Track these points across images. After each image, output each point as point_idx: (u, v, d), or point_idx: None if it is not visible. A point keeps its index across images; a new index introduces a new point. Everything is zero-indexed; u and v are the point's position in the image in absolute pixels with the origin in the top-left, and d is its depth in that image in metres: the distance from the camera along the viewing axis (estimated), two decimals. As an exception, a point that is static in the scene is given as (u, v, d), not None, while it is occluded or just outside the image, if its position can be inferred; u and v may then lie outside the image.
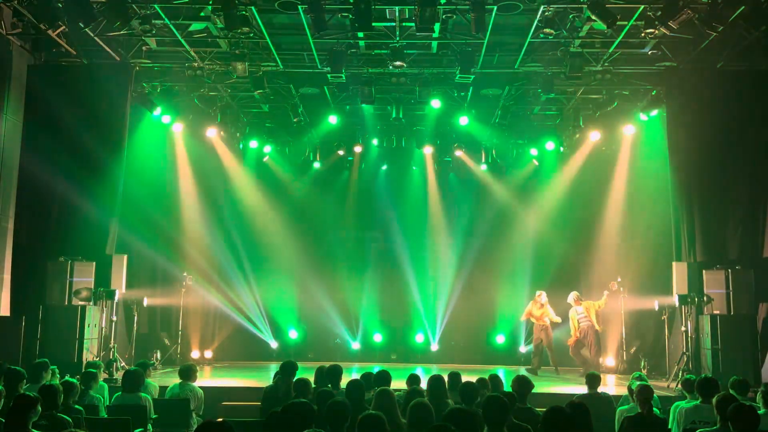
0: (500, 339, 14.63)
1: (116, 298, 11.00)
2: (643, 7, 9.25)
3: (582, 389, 7.57)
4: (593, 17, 8.97)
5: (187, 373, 7.32)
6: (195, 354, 13.53)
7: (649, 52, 10.76)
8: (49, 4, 9.27)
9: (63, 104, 10.68)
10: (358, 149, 14.69)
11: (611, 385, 10.89)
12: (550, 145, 14.27)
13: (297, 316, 14.66)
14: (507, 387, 6.57)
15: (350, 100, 12.92)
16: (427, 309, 14.76)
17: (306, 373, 7.02)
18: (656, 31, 9.40)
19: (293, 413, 4.12)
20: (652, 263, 12.60)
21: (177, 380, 7.35)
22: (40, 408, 4.67)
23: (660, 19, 9.04)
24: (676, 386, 9.63)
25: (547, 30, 9.44)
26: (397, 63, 10.60)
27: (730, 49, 10.38)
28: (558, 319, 12.50)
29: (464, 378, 6.81)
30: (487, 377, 6.59)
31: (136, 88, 11.76)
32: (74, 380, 6.23)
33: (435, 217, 15.15)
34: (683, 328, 10.84)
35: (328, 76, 11.21)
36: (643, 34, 9.90)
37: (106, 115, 11.03)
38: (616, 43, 10.31)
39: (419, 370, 10.93)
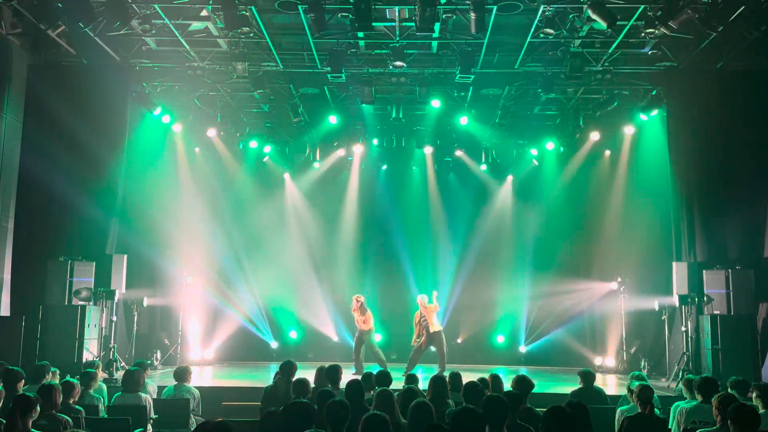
0: (500, 339, 14.63)
1: (116, 298, 11.00)
2: (643, 7, 9.26)
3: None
4: (593, 17, 8.97)
5: (182, 374, 7.35)
6: (195, 354, 13.53)
7: (649, 52, 10.77)
8: (49, 4, 9.27)
9: (63, 104, 10.68)
10: (358, 149, 14.69)
11: (611, 385, 10.90)
12: (550, 145, 14.27)
13: (297, 316, 14.64)
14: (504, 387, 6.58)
15: (350, 100, 12.93)
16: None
17: (306, 373, 7.02)
18: (656, 31, 9.39)
19: (294, 413, 4.12)
20: (652, 263, 12.60)
21: (174, 382, 7.38)
22: (39, 408, 4.67)
23: (660, 19, 9.04)
24: (676, 386, 9.63)
25: (547, 30, 9.44)
26: (397, 63, 10.61)
27: (730, 49, 10.38)
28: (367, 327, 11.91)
29: (464, 378, 6.82)
30: (487, 377, 6.59)
31: (136, 88, 11.75)
32: (74, 380, 6.23)
33: (435, 217, 15.14)
34: (683, 328, 10.84)
35: (328, 76, 11.22)
36: (643, 34, 9.90)
37: (106, 115, 11.04)
38: (616, 43, 10.31)
39: (420, 370, 10.93)
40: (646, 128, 12.78)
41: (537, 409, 5.73)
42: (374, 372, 7.06)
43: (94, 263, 10.83)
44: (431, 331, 11.64)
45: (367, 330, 11.94)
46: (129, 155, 11.50)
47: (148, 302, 12.41)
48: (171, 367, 12.01)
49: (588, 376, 7.30)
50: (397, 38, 10.35)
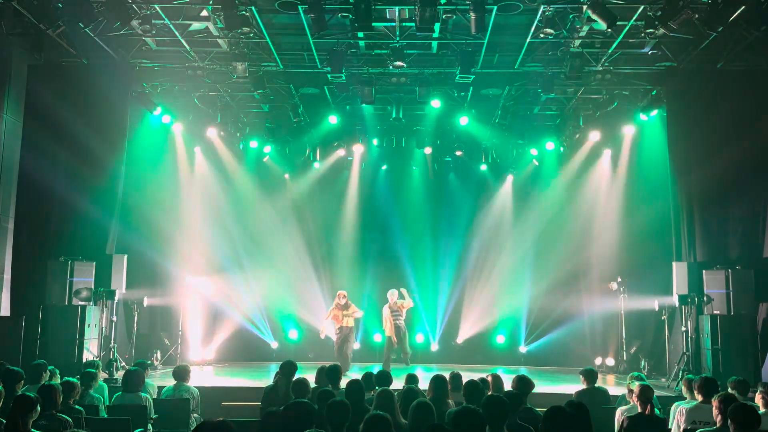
0: (500, 339, 14.63)
1: (116, 298, 11.00)
2: (643, 7, 9.26)
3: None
4: (593, 17, 8.97)
5: (181, 374, 7.34)
6: (195, 354, 13.52)
7: (649, 52, 10.77)
8: (49, 4, 9.27)
9: (63, 104, 10.69)
10: (358, 149, 14.69)
11: (611, 385, 10.89)
12: (550, 145, 14.27)
13: (297, 316, 14.64)
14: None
15: (350, 100, 12.94)
16: (427, 309, 14.76)
17: (306, 373, 7.02)
18: (656, 31, 9.40)
19: (294, 413, 4.12)
20: (652, 263, 12.60)
21: (173, 382, 7.38)
22: (39, 408, 4.67)
23: (660, 19, 9.04)
24: (676, 386, 9.63)
25: (547, 30, 9.44)
26: (397, 63, 10.61)
27: (730, 49, 10.38)
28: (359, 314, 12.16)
29: (465, 378, 6.82)
30: (488, 377, 6.59)
31: (136, 88, 11.76)
32: (74, 380, 6.23)
33: (435, 217, 15.14)
34: (683, 328, 10.84)
35: (328, 76, 11.22)
36: (643, 34, 9.90)
37: (106, 115, 11.05)
38: (616, 43, 10.31)
39: (419, 370, 10.93)
40: (646, 128, 12.78)
41: (537, 409, 5.73)
42: (374, 372, 7.06)
43: (94, 263, 10.82)
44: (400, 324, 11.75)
45: (353, 327, 12.00)
46: (129, 155, 11.50)
47: (148, 302, 12.40)
48: (171, 367, 11.99)
49: (591, 375, 7.30)
50: (397, 38, 10.35)
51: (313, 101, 13.27)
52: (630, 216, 13.19)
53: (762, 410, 5.34)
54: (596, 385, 7.32)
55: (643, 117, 12.35)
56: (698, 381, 6.04)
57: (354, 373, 10.91)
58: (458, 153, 14.76)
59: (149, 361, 10.95)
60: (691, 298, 10.64)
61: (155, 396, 7.38)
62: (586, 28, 9.82)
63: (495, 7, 9.21)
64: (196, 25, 10.29)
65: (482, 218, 14.94)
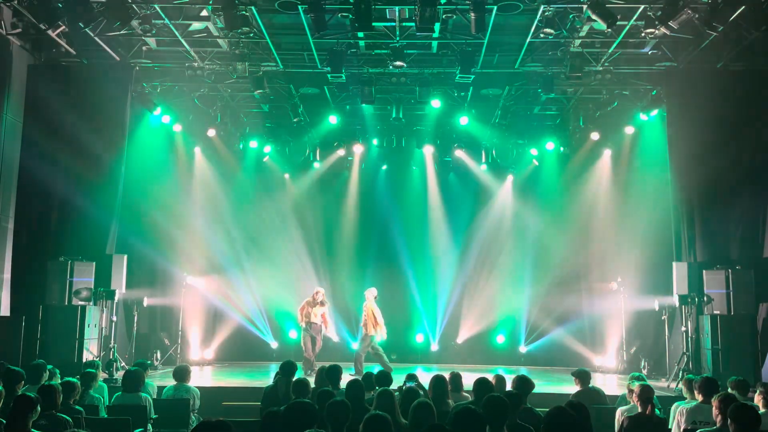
0: (500, 339, 14.63)
1: (116, 298, 11.00)
2: (643, 7, 9.26)
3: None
4: (593, 17, 8.98)
5: (181, 374, 7.35)
6: (195, 354, 13.53)
7: (649, 52, 10.78)
8: (49, 4, 9.28)
9: (63, 104, 10.70)
10: (358, 149, 14.69)
11: (611, 385, 10.90)
12: (550, 145, 14.27)
13: (297, 316, 14.61)
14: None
15: (350, 100, 12.94)
16: (427, 309, 14.76)
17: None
18: (656, 31, 9.40)
19: (296, 413, 4.12)
20: (652, 263, 12.59)
21: (173, 382, 7.38)
22: (39, 408, 4.67)
23: (660, 19, 9.04)
24: (676, 386, 9.63)
25: (547, 30, 9.45)
26: (397, 63, 10.62)
27: (730, 49, 10.38)
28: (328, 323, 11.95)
29: (465, 378, 6.83)
30: (491, 377, 6.58)
31: (136, 88, 11.77)
32: (74, 380, 6.23)
33: (435, 217, 15.14)
34: (683, 328, 10.84)
35: (328, 76, 11.22)
36: (643, 34, 9.90)
37: (106, 115, 11.06)
38: (616, 43, 10.31)
39: (419, 370, 10.94)
40: (646, 128, 12.78)
41: (537, 409, 5.73)
42: (374, 372, 7.06)
43: (94, 263, 10.81)
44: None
45: (321, 324, 11.88)
46: (129, 155, 11.50)
47: (148, 302, 12.41)
48: (171, 367, 11.99)
49: (585, 376, 7.29)
50: (397, 38, 10.36)
51: (313, 101, 13.28)
52: (630, 216, 13.17)
53: (762, 410, 5.34)
54: (590, 385, 7.31)
55: (643, 117, 12.36)
56: (698, 381, 6.05)
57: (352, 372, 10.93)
58: (458, 153, 14.77)
59: (149, 361, 10.93)
60: (691, 298, 10.63)
61: (155, 396, 7.38)
62: (586, 28, 9.83)
63: (495, 7, 9.22)
64: (196, 25, 10.30)
65: (482, 218, 14.94)
